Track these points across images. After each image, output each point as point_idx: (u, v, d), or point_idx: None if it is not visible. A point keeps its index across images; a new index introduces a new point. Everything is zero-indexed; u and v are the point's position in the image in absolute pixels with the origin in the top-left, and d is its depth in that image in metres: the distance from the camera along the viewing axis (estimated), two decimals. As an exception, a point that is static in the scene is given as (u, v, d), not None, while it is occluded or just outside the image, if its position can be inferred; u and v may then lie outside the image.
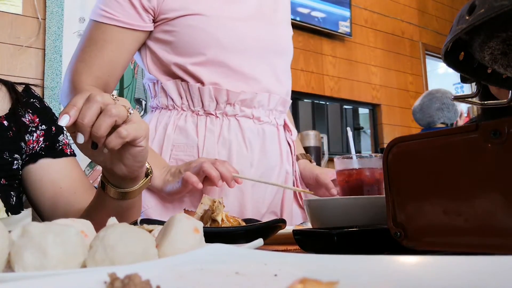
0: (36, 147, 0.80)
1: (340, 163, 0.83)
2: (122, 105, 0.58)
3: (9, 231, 0.34)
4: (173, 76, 1.02)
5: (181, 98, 1.02)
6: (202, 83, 1.00)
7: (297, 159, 1.19)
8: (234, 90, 1.00)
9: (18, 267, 0.31)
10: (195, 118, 1.01)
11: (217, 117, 1.01)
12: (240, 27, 1.02)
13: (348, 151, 3.87)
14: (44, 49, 2.44)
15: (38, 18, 2.47)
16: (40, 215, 0.81)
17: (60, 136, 0.84)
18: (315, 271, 0.31)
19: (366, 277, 0.30)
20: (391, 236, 0.43)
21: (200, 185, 0.88)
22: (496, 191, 0.37)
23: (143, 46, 1.04)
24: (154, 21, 1.01)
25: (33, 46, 2.41)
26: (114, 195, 0.67)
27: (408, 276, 0.29)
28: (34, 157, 0.80)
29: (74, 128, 0.57)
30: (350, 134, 0.90)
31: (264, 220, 0.69)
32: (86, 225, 0.39)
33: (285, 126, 1.14)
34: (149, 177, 0.69)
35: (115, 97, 0.59)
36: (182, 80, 1.01)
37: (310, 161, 1.22)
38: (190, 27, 0.98)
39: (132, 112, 0.58)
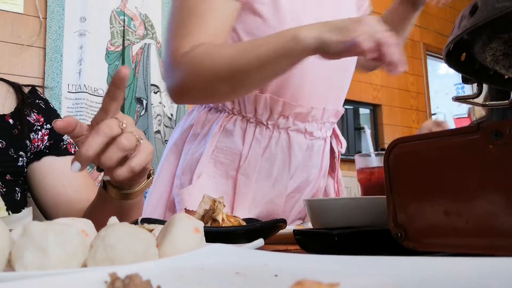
0: (41, 145, 0.82)
1: (361, 160, 0.83)
2: (131, 132, 0.57)
3: (10, 230, 0.34)
4: None
5: (233, 102, 0.96)
6: (261, 90, 0.94)
7: None
8: (290, 103, 0.94)
9: (19, 266, 0.31)
10: (245, 124, 0.96)
11: (267, 127, 0.96)
12: None
13: (348, 151, 3.87)
14: (45, 48, 2.44)
15: (39, 17, 2.47)
16: (43, 213, 0.82)
17: (65, 136, 0.85)
18: (316, 272, 0.31)
19: (367, 278, 0.30)
20: (391, 237, 0.43)
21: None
22: (497, 192, 0.37)
23: None
24: None
25: (34, 45, 2.41)
26: (116, 195, 0.67)
27: (408, 277, 0.29)
28: (38, 155, 0.81)
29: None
30: (368, 132, 0.90)
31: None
32: (87, 224, 0.39)
33: (335, 136, 1.09)
34: (151, 178, 0.69)
35: (123, 125, 0.57)
36: None
37: None
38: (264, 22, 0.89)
39: (141, 140, 0.59)
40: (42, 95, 0.87)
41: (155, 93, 2.83)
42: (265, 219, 0.96)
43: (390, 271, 0.30)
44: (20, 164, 0.79)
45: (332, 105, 1.01)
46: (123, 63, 2.70)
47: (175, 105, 2.90)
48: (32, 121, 0.82)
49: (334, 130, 1.09)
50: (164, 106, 2.85)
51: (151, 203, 1.02)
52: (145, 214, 1.03)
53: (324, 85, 0.98)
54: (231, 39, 0.93)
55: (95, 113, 0.59)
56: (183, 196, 0.95)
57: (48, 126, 0.83)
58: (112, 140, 0.56)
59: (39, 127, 0.82)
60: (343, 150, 1.10)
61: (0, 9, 2.38)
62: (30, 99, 0.84)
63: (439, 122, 1.19)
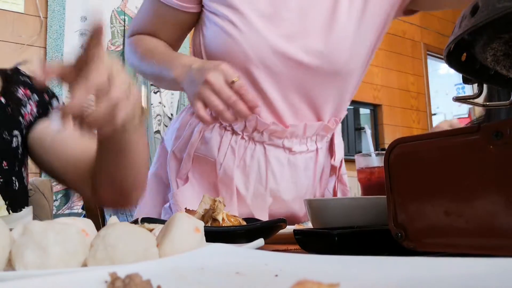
0: (32, 118, 0.82)
1: (361, 160, 0.83)
2: (122, 81, 0.54)
3: (10, 229, 0.34)
4: None
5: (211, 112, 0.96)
6: None
7: None
8: (264, 121, 0.90)
9: (19, 265, 0.31)
10: (222, 131, 0.94)
11: (243, 138, 0.93)
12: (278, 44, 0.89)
13: (349, 151, 3.87)
14: (46, 48, 2.44)
15: (39, 17, 2.47)
16: (57, 179, 0.82)
17: (54, 102, 0.86)
18: (316, 272, 0.31)
19: (367, 278, 0.30)
20: (392, 236, 0.43)
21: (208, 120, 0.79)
22: (497, 192, 0.37)
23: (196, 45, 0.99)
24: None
25: (34, 45, 2.42)
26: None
27: (408, 277, 0.29)
28: (31, 126, 0.82)
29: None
30: (368, 132, 0.90)
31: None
32: (87, 223, 0.39)
33: (331, 147, 1.03)
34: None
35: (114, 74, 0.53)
36: None
37: None
38: (223, 32, 0.89)
39: (129, 89, 0.55)
40: (25, 73, 0.87)
41: (155, 93, 2.83)
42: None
43: (390, 271, 0.30)
44: (14, 145, 0.79)
45: (317, 120, 0.96)
46: (123, 63, 2.70)
47: (175, 105, 2.90)
48: (21, 97, 0.83)
49: (332, 140, 1.03)
50: (164, 106, 2.85)
51: (146, 203, 1.02)
52: (142, 213, 1.03)
53: (303, 102, 0.93)
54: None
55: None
56: (177, 197, 0.95)
57: (35, 96, 0.84)
58: (101, 92, 0.53)
59: (27, 100, 0.83)
60: (336, 163, 1.04)
61: (1, 9, 2.39)
62: (15, 77, 0.85)
63: (454, 123, 1.19)
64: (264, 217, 0.96)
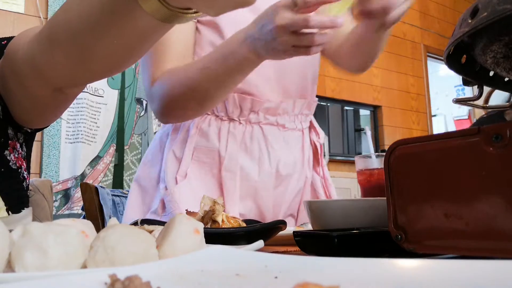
0: None
1: (361, 162, 0.83)
2: None
3: (10, 231, 0.34)
4: None
5: None
6: None
7: None
8: (258, 99, 0.98)
9: (19, 267, 0.31)
10: (219, 122, 1.00)
11: (240, 123, 1.00)
12: None
13: (349, 152, 3.87)
14: (46, 48, 2.44)
15: (40, 17, 2.47)
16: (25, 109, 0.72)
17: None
18: (316, 274, 0.31)
19: (367, 280, 0.30)
20: (391, 238, 0.43)
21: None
22: (497, 194, 0.37)
23: None
24: None
25: (34, 45, 2.41)
26: (154, 10, 0.43)
27: (408, 279, 0.29)
28: None
29: None
30: (368, 133, 0.90)
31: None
32: (87, 225, 0.39)
33: (312, 128, 1.12)
34: None
35: None
36: None
37: None
38: (214, 24, 0.96)
39: None
40: None
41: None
42: (254, 214, 0.97)
43: (390, 273, 0.30)
44: None
45: (302, 97, 1.04)
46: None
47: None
48: None
49: (311, 123, 1.11)
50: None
51: (131, 204, 1.04)
52: (126, 215, 1.04)
53: (290, 78, 1.01)
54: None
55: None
56: (174, 195, 0.96)
57: None
58: None
59: None
60: (322, 141, 1.13)
61: (1, 9, 2.39)
62: None
63: None
64: (270, 196, 1.01)
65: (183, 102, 0.92)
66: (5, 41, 0.76)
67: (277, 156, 1.01)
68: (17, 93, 0.69)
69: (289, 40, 0.76)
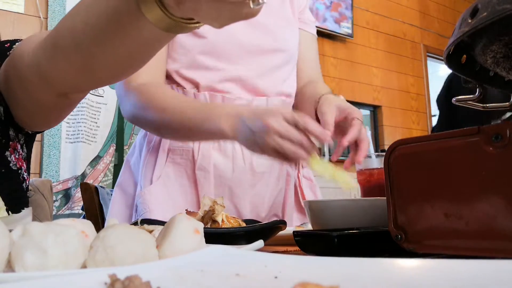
0: None
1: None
2: None
3: (10, 231, 0.34)
4: (170, 79, 1.01)
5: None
6: (198, 87, 0.99)
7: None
8: (229, 97, 0.98)
9: (19, 267, 0.31)
10: None
11: None
12: (238, 33, 0.99)
13: (349, 152, 3.86)
14: (46, 48, 2.44)
15: (40, 17, 2.47)
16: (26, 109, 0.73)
17: (16, 44, 0.75)
18: (316, 273, 0.31)
19: (367, 280, 0.30)
20: (391, 238, 0.43)
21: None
22: (497, 194, 0.37)
23: None
24: None
25: (34, 45, 2.41)
26: (157, 19, 0.44)
27: (408, 279, 0.29)
28: None
29: None
30: (368, 133, 0.90)
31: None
32: (86, 225, 0.39)
33: None
34: None
35: None
36: (178, 85, 1.00)
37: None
38: None
39: None
40: None
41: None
42: (232, 214, 0.97)
43: (390, 273, 0.30)
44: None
45: (276, 95, 1.04)
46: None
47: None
48: None
49: None
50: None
51: (114, 212, 1.04)
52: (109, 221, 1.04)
53: (260, 80, 1.01)
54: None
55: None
56: (145, 196, 0.97)
57: None
58: None
59: None
60: None
61: (1, 9, 2.39)
62: None
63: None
64: (246, 195, 1.00)
65: (152, 129, 0.96)
66: (8, 44, 0.77)
67: (250, 154, 1.00)
68: (22, 97, 0.70)
69: (273, 142, 0.76)
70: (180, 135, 0.92)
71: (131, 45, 0.50)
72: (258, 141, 0.78)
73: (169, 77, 1.01)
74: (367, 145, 0.83)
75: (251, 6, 0.36)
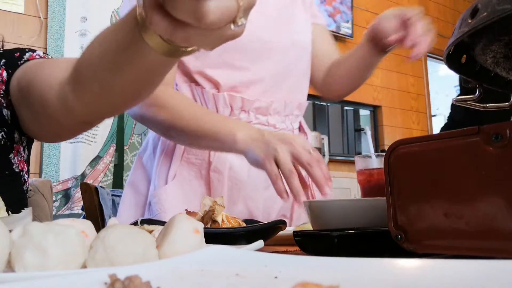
0: (5, 79, 0.76)
1: (361, 162, 0.83)
2: None
3: (10, 231, 0.34)
4: (190, 78, 1.00)
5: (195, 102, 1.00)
6: (218, 87, 0.98)
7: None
8: (249, 98, 0.98)
9: (19, 267, 0.31)
10: None
11: None
12: (258, 30, 0.99)
13: (348, 152, 3.87)
14: (46, 48, 2.44)
15: (40, 17, 2.48)
16: (33, 127, 0.77)
17: (26, 55, 0.78)
18: (316, 273, 0.31)
19: (367, 280, 0.30)
20: (391, 238, 0.43)
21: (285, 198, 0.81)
22: (497, 194, 0.37)
23: None
24: None
25: (34, 45, 2.41)
26: (158, 46, 0.47)
27: (408, 279, 0.29)
28: (7, 89, 0.76)
29: None
30: (368, 133, 0.90)
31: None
32: (86, 225, 0.39)
33: (301, 129, 1.12)
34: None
35: None
36: (197, 84, 0.99)
37: None
38: None
39: None
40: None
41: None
42: (244, 216, 0.97)
43: (390, 273, 0.30)
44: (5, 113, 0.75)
45: (293, 98, 1.05)
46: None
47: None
48: None
49: (300, 123, 1.12)
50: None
51: (125, 208, 1.03)
52: (120, 219, 1.04)
53: (280, 79, 1.02)
54: None
55: None
56: (161, 196, 0.96)
57: (3, 60, 0.77)
58: None
59: None
60: (309, 141, 1.12)
61: (1, 9, 2.39)
62: None
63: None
64: (260, 198, 1.00)
65: (160, 129, 0.96)
66: (18, 54, 0.79)
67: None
68: (42, 118, 0.74)
69: (285, 163, 0.79)
70: (189, 139, 0.92)
71: (139, 70, 0.55)
72: (268, 157, 0.80)
73: (188, 76, 1.00)
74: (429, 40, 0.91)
75: (232, 28, 0.41)
